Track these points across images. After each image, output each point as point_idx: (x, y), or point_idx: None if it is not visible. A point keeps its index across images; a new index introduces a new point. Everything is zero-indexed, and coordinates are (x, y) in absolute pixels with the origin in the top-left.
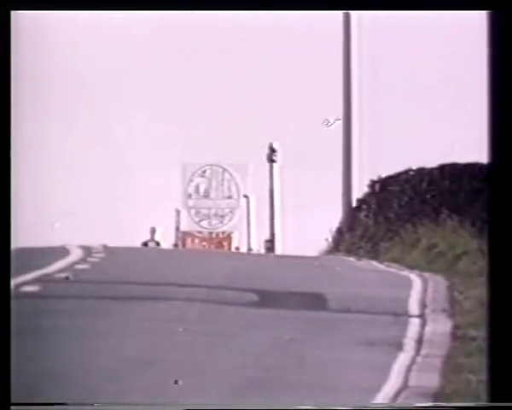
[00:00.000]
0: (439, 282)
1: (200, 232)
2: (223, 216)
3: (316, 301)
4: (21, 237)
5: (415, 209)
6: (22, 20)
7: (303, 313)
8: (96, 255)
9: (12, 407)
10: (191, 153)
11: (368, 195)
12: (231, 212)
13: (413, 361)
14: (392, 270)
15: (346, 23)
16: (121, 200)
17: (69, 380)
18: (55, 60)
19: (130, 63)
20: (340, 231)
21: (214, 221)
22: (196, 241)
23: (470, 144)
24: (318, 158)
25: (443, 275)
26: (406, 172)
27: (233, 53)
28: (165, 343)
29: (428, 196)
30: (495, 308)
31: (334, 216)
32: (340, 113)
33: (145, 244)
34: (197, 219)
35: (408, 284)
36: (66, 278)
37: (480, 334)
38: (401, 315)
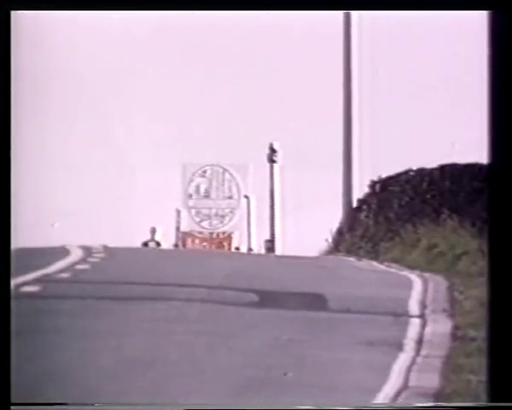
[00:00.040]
0: (439, 282)
1: (200, 232)
2: (223, 216)
3: (316, 302)
4: (21, 237)
5: (415, 209)
6: (22, 20)
7: (303, 313)
8: (96, 255)
9: (12, 407)
10: (191, 153)
11: (368, 195)
12: (232, 212)
13: (413, 362)
14: (393, 270)
15: (347, 23)
16: (121, 200)
17: (69, 380)
18: (55, 60)
19: (130, 63)
20: (340, 232)
21: (215, 221)
22: (197, 241)
23: (470, 144)
24: (318, 158)
25: (443, 275)
26: (406, 172)
27: (233, 53)
28: (166, 343)
29: (429, 197)
30: (495, 309)
31: (334, 216)
32: (340, 113)
33: (145, 244)
34: (198, 220)
35: (408, 285)
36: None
37: (480, 334)
38: (401, 315)
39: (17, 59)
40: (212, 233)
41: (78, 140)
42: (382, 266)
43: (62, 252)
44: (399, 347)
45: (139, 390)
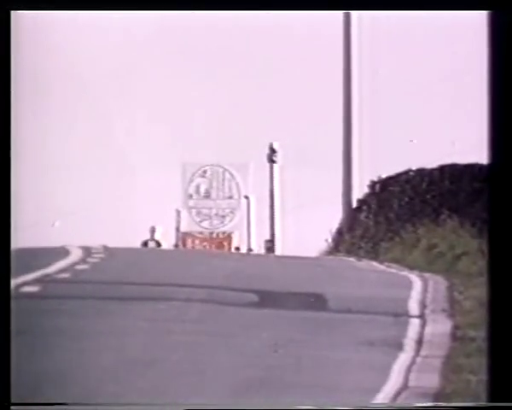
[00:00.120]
0: (439, 282)
1: (200, 232)
2: (223, 216)
3: (316, 302)
4: (21, 237)
5: (415, 209)
6: (22, 20)
7: (303, 313)
8: (96, 256)
9: (12, 407)
10: (191, 153)
11: (368, 195)
12: (232, 212)
13: (413, 362)
14: (393, 270)
15: (347, 23)
16: (121, 200)
17: (69, 380)
18: (55, 60)
19: (130, 63)
20: (340, 232)
21: (215, 221)
22: (197, 241)
23: (470, 144)
24: (318, 158)
25: (443, 275)
26: (406, 172)
27: (233, 53)
28: (166, 343)
29: (428, 197)
30: (495, 308)
31: (334, 216)
32: (339, 113)
33: (145, 243)
34: (198, 220)
35: (408, 285)
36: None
37: (480, 334)
38: (401, 315)
39: (17, 59)
40: (212, 233)
41: (78, 140)
42: (382, 267)
43: (62, 252)
44: (399, 347)
45: (139, 390)
